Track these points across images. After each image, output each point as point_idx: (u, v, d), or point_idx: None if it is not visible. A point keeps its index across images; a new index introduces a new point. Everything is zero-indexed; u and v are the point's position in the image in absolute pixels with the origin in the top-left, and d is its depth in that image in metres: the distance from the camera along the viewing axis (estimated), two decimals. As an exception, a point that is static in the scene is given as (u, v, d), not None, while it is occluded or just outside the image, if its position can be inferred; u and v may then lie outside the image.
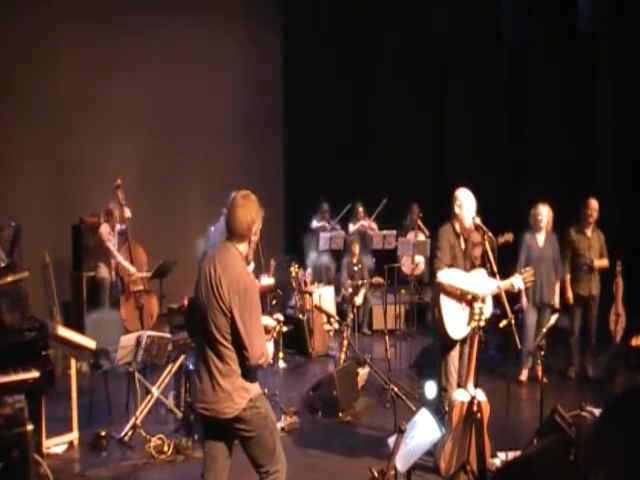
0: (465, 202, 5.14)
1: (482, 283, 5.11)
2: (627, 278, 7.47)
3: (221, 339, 3.48)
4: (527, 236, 7.15)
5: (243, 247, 3.60)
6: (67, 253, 8.97)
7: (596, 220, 7.19)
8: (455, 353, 5.19)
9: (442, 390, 5.18)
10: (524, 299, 7.07)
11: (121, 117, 9.89)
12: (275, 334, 3.83)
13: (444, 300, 5.10)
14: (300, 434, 5.84)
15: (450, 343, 5.16)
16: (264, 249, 7.68)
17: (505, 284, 5.13)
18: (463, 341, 5.20)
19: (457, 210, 5.18)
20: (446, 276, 5.04)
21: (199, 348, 3.63)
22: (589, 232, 7.20)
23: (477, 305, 4.85)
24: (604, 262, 7.23)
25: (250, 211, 3.55)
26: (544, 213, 7.05)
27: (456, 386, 5.13)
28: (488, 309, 5.09)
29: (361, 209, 10.45)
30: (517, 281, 5.22)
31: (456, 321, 5.11)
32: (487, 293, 5.11)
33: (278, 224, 11.63)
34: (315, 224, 10.52)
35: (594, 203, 7.14)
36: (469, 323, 4.93)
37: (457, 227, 5.21)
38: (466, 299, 5.09)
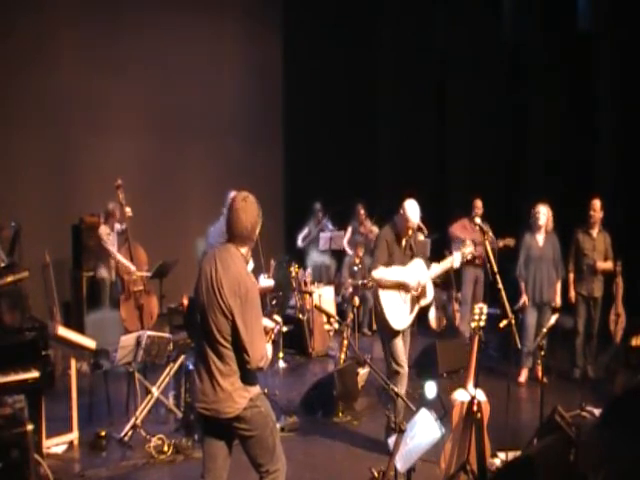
0: (407, 213, 5.43)
1: (418, 272, 5.48)
2: (627, 278, 7.47)
3: (221, 339, 3.48)
4: (527, 236, 7.17)
5: (245, 249, 3.60)
6: (67, 253, 8.96)
7: (602, 221, 7.20)
8: (399, 339, 5.46)
9: (395, 373, 5.40)
10: (524, 297, 7.08)
11: (121, 117, 9.89)
12: (274, 335, 3.83)
13: (383, 294, 5.41)
14: (300, 434, 5.84)
15: (394, 332, 5.43)
16: (264, 249, 7.68)
17: (444, 265, 5.59)
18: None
19: (399, 217, 5.52)
20: (379, 272, 5.39)
21: (199, 348, 3.62)
22: (594, 233, 7.20)
23: (478, 305, 4.87)
24: (608, 265, 7.22)
25: (252, 213, 3.53)
26: (542, 212, 7.07)
27: (407, 367, 5.48)
28: (429, 296, 5.57)
29: (362, 211, 10.20)
30: (455, 257, 5.61)
31: (397, 313, 5.42)
32: (423, 280, 5.45)
33: (278, 224, 11.63)
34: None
35: (596, 204, 7.15)
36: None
37: (397, 229, 5.54)
38: (404, 289, 5.43)
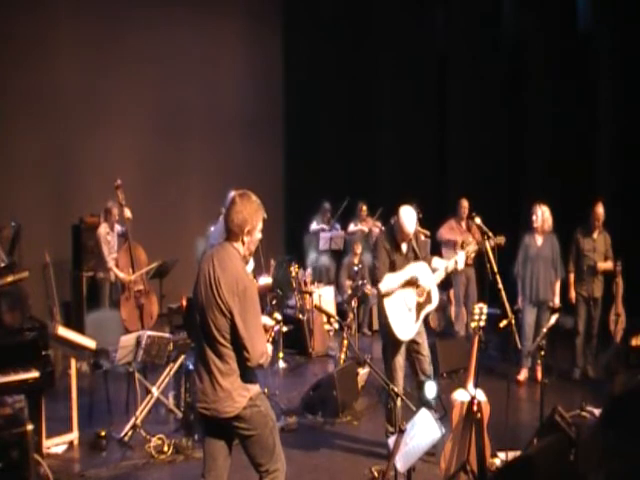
0: (402, 223, 5.26)
1: (423, 273, 5.31)
2: (627, 278, 7.47)
3: (221, 339, 3.48)
4: (526, 236, 7.19)
5: (240, 246, 3.60)
6: (67, 253, 8.96)
7: (603, 222, 7.21)
8: (399, 356, 5.32)
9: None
10: (520, 298, 7.09)
11: (121, 116, 9.89)
12: (274, 334, 3.83)
13: (388, 303, 5.24)
14: (300, 434, 5.84)
15: (396, 343, 5.29)
16: (264, 249, 7.68)
17: (449, 266, 5.39)
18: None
19: (394, 223, 5.39)
20: (385, 284, 5.20)
21: (198, 348, 3.62)
22: (595, 234, 7.22)
23: (478, 305, 4.86)
24: (608, 265, 7.24)
25: (244, 210, 3.53)
26: (538, 213, 7.07)
27: (402, 382, 5.32)
28: (434, 302, 5.38)
29: (364, 207, 10.29)
30: (460, 257, 5.44)
31: (403, 322, 5.25)
32: (428, 286, 5.30)
33: (278, 224, 11.63)
34: (314, 227, 10.50)
35: (599, 210, 7.14)
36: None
37: (395, 235, 5.37)
38: (413, 286, 5.25)
